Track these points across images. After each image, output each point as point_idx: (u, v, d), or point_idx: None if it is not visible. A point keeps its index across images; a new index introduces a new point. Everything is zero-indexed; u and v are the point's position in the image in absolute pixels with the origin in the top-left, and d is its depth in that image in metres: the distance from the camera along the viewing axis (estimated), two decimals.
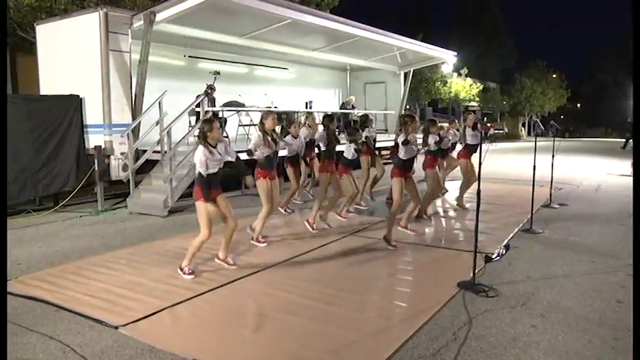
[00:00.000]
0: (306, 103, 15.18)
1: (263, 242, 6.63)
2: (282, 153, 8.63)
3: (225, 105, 11.93)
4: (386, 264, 5.99)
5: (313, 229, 7.41)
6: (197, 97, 10.24)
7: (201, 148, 5.25)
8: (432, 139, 7.77)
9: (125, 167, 9.86)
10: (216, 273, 5.54)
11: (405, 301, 4.81)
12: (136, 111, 10.17)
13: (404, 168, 6.65)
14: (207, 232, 5.28)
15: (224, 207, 5.45)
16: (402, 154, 6.59)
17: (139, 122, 10.02)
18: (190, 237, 7.20)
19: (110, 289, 5.06)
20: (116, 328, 4.19)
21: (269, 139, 6.41)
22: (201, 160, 5.21)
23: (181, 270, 5.44)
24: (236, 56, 14.91)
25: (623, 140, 24.89)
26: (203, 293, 4.94)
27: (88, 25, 9.90)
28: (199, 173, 5.24)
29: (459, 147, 9.48)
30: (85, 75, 10.01)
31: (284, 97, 15.46)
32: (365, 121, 9.58)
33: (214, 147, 5.30)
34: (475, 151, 8.66)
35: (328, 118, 7.74)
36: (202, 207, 5.25)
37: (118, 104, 10.00)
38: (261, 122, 6.43)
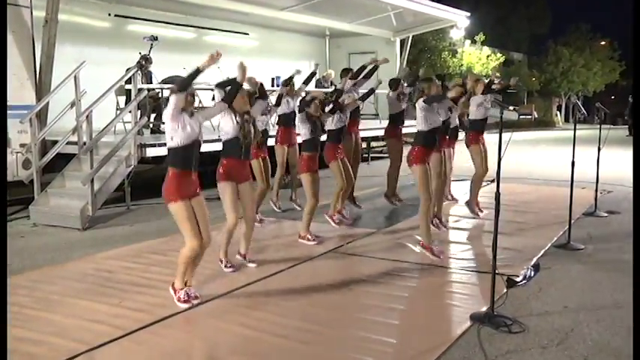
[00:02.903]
0: (273, 80, 15.16)
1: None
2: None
3: (166, 82, 11.85)
4: (376, 290, 5.98)
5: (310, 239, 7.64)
6: (127, 70, 10.14)
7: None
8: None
9: (27, 164, 9.71)
10: (153, 304, 5.48)
11: (401, 339, 4.81)
12: (41, 88, 10.03)
13: (428, 144, 6.88)
14: (197, 240, 5.31)
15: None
16: (421, 124, 6.80)
17: (47, 104, 9.88)
18: (117, 256, 7.22)
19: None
20: None
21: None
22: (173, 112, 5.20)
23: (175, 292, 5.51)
24: (180, 17, 14.84)
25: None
26: (135, 331, 4.87)
27: None
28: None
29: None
30: None
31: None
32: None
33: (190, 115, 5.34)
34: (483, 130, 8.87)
35: (304, 101, 7.77)
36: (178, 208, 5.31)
37: (14, 79, 9.85)
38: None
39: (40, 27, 10.00)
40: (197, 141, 5.37)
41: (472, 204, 9.15)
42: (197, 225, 5.35)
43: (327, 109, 7.90)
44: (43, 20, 9.92)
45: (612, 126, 22.49)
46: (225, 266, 6.44)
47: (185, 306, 5.39)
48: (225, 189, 6.21)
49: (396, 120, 9.91)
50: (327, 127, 7.88)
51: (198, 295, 5.55)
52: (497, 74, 10.09)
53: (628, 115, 27.31)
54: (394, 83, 9.87)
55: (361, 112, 10.02)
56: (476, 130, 8.87)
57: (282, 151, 9.45)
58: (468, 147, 8.99)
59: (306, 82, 9.36)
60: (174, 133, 5.26)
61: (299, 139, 8.12)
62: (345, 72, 9.75)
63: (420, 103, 6.84)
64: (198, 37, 16.00)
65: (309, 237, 7.62)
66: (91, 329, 4.91)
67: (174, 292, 5.50)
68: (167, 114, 5.25)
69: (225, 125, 6.26)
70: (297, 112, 8.06)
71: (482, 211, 9.17)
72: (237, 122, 6.19)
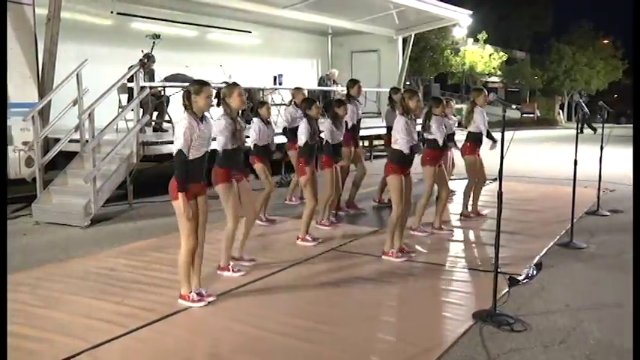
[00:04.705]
0: (275, 78, 15.20)
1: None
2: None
3: (168, 80, 11.87)
4: (378, 288, 5.99)
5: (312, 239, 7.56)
6: (129, 68, 10.14)
7: (186, 116, 5.18)
8: (435, 126, 7.75)
9: (29, 161, 9.72)
10: (155, 302, 5.48)
11: (403, 338, 4.80)
12: (44, 86, 10.04)
13: (403, 163, 6.74)
14: (194, 241, 5.28)
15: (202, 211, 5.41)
16: (400, 144, 6.67)
17: (49, 101, 9.89)
18: (119, 253, 7.22)
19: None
20: None
21: (235, 125, 6.14)
22: (185, 137, 5.08)
23: (183, 298, 5.42)
24: (182, 14, 14.86)
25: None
26: (137, 329, 4.88)
27: None
28: (180, 157, 5.11)
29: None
30: None
31: (246, 69, 15.42)
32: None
33: (200, 120, 5.25)
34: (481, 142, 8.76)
35: (308, 102, 7.77)
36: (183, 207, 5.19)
37: (17, 76, 9.87)
38: (224, 100, 6.06)
39: (42, 24, 10.01)
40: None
41: (465, 211, 9.07)
42: (196, 225, 5.33)
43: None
44: (45, 18, 9.93)
45: (615, 125, 22.53)
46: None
47: (201, 304, 5.36)
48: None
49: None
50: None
51: (212, 294, 5.55)
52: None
53: (580, 114, 28.39)
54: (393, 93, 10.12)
55: (362, 111, 9.95)
56: (474, 141, 8.75)
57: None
58: (462, 157, 8.92)
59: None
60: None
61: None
62: (352, 82, 9.69)
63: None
64: (201, 35, 16.00)
65: (309, 238, 7.57)
66: (93, 327, 4.92)
67: (185, 299, 5.41)
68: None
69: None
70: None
71: (483, 215, 9.13)
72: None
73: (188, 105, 5.23)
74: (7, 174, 9.40)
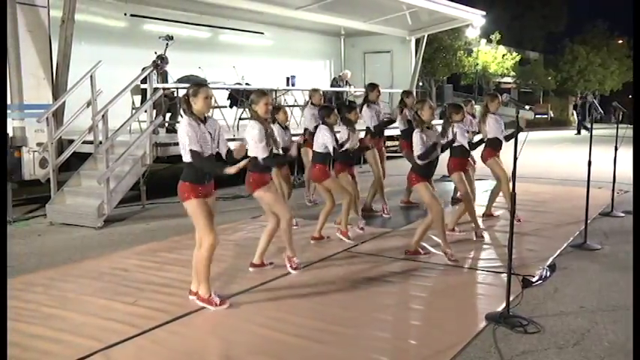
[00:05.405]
0: (288, 79, 15.18)
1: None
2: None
3: (181, 81, 11.88)
4: (392, 289, 6.00)
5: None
6: (143, 70, 10.19)
7: (185, 119, 5.21)
8: (458, 132, 7.63)
9: (44, 163, 9.78)
10: (168, 302, 5.50)
11: (416, 339, 4.81)
12: (58, 87, 10.10)
13: (426, 172, 6.84)
14: (214, 235, 5.28)
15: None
16: (420, 155, 6.71)
17: (63, 103, 9.95)
18: (132, 254, 7.26)
19: (19, 327, 4.97)
20: None
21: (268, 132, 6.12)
22: (189, 136, 5.09)
23: (201, 299, 5.43)
24: (195, 16, 14.89)
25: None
26: (151, 329, 4.89)
27: None
28: (197, 155, 5.12)
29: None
30: None
31: (258, 70, 15.45)
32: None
33: (202, 121, 5.26)
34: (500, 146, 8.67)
35: (325, 110, 7.74)
36: (195, 205, 5.24)
37: (32, 78, 9.92)
38: (250, 107, 6.08)
39: (57, 26, 10.08)
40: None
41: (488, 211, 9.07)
42: (212, 221, 5.34)
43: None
44: (60, 20, 10.00)
45: (629, 125, 22.36)
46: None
47: (223, 307, 5.34)
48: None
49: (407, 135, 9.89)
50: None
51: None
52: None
53: (578, 113, 28.65)
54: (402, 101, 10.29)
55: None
56: (492, 147, 8.61)
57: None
58: (484, 162, 8.84)
59: None
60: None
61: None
62: (372, 87, 9.70)
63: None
64: (214, 36, 16.05)
65: (356, 230, 7.89)
66: (106, 327, 4.94)
67: (206, 302, 5.37)
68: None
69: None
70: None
71: (496, 216, 9.11)
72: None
73: (187, 108, 5.23)
74: (6, 174, 9.41)
